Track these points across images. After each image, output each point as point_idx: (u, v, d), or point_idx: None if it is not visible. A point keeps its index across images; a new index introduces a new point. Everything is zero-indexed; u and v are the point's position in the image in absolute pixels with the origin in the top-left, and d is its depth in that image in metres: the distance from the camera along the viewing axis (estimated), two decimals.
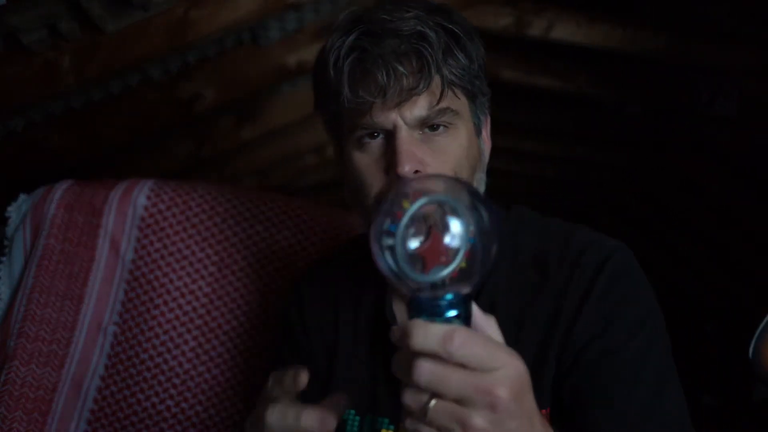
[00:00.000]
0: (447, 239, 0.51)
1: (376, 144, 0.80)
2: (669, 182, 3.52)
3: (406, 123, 0.78)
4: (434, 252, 0.52)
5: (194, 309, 1.23)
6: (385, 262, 0.53)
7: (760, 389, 3.55)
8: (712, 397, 3.49)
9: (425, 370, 0.51)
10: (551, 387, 0.79)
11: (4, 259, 1.28)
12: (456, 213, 0.51)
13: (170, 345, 1.21)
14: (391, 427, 0.91)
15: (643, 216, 4.18)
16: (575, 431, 0.76)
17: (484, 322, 0.56)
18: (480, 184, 0.86)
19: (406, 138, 0.78)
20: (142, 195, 1.27)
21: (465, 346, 0.50)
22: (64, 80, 1.54)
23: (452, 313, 0.52)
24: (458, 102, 0.81)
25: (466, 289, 0.53)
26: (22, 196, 1.32)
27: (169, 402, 1.20)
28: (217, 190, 1.30)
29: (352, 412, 0.92)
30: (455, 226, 0.51)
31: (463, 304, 0.52)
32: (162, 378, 1.21)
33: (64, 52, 1.52)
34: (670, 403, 0.77)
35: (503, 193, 4.76)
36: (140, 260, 1.25)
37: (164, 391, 1.20)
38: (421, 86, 0.76)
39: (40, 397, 1.18)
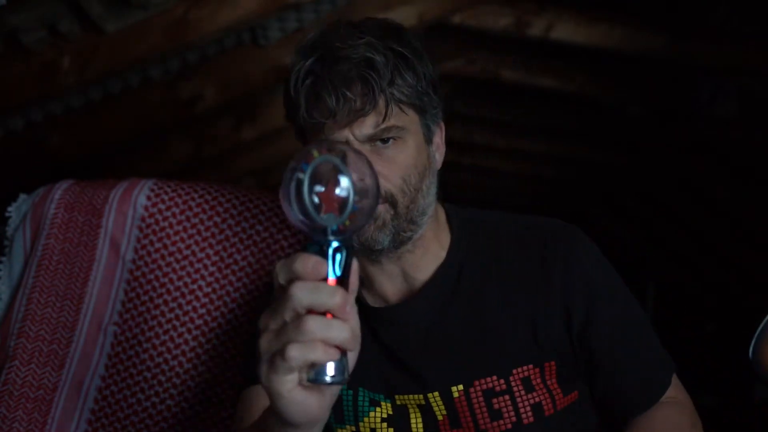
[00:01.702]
0: (338, 191, 0.61)
1: None
2: (669, 182, 3.52)
3: (356, 139, 0.86)
4: (330, 199, 0.61)
5: (194, 309, 1.23)
6: (293, 203, 0.61)
7: (760, 389, 3.55)
8: (712, 397, 3.49)
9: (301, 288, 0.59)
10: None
11: (4, 259, 1.28)
12: (345, 174, 0.61)
13: (170, 345, 1.21)
14: (388, 400, 0.96)
15: (643, 216, 4.18)
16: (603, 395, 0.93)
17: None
18: (430, 188, 0.93)
19: (360, 148, 0.85)
20: (142, 195, 1.27)
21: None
22: (64, 80, 1.54)
23: (336, 257, 0.61)
24: (405, 118, 0.88)
25: (345, 242, 0.62)
26: (22, 196, 1.32)
27: (170, 402, 1.20)
28: (217, 190, 1.29)
29: (344, 386, 0.96)
30: (344, 182, 0.61)
31: (341, 252, 0.62)
32: (162, 378, 1.21)
33: (64, 52, 1.52)
34: (651, 343, 0.94)
35: (503, 192, 4.76)
36: (140, 260, 1.25)
37: (164, 391, 1.20)
38: (366, 108, 0.84)
39: (40, 397, 1.18)
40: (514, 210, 1.05)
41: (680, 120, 2.80)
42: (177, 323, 1.22)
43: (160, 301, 1.23)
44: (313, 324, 0.58)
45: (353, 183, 0.61)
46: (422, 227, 0.92)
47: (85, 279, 1.25)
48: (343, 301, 0.59)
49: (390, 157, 0.88)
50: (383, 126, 0.86)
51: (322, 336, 0.58)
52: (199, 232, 1.26)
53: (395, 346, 0.95)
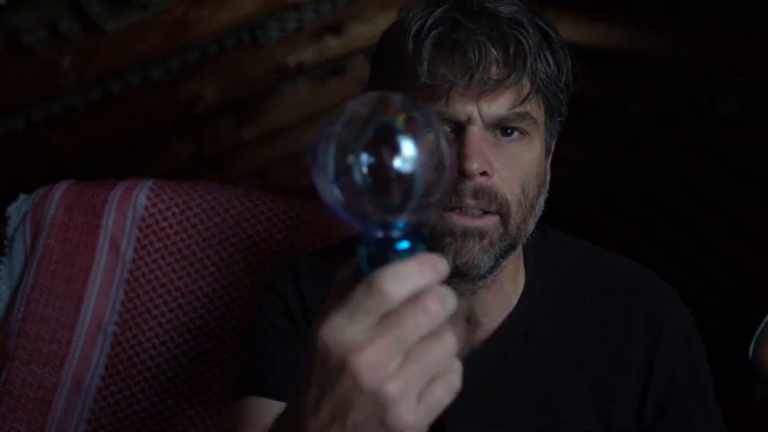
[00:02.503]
0: (414, 167, 0.42)
1: None
2: (669, 182, 3.52)
3: (482, 118, 0.69)
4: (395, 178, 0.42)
5: (194, 309, 1.23)
6: (348, 177, 0.42)
7: (760, 389, 3.55)
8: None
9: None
10: None
11: (4, 259, 1.28)
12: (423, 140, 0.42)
13: (170, 345, 1.21)
14: None
15: (643, 216, 4.18)
16: None
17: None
18: (540, 210, 0.77)
19: (479, 134, 0.69)
20: (142, 195, 1.27)
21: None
22: (64, 80, 1.54)
23: (406, 245, 0.43)
24: (538, 111, 0.73)
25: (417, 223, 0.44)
26: (22, 196, 1.32)
27: (170, 402, 1.20)
28: (217, 190, 1.29)
29: None
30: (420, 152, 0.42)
31: (417, 238, 0.44)
32: (162, 378, 1.21)
33: (64, 52, 1.52)
34: None
35: None
36: (140, 260, 1.25)
37: (164, 391, 1.20)
38: (511, 78, 0.67)
39: (40, 397, 1.18)
40: None
41: (680, 120, 2.79)
42: (177, 323, 1.22)
43: (160, 301, 1.23)
44: (452, 340, 0.43)
45: (442, 159, 0.42)
46: (515, 254, 0.75)
47: (85, 279, 1.25)
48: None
49: (512, 154, 0.71)
50: (519, 110, 0.69)
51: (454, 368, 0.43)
52: (199, 232, 1.26)
53: (444, 412, 0.78)
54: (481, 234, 0.70)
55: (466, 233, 0.70)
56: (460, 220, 0.70)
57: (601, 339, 0.76)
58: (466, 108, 0.68)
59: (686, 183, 3.38)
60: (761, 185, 2.79)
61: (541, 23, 0.71)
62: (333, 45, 2.08)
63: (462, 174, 0.68)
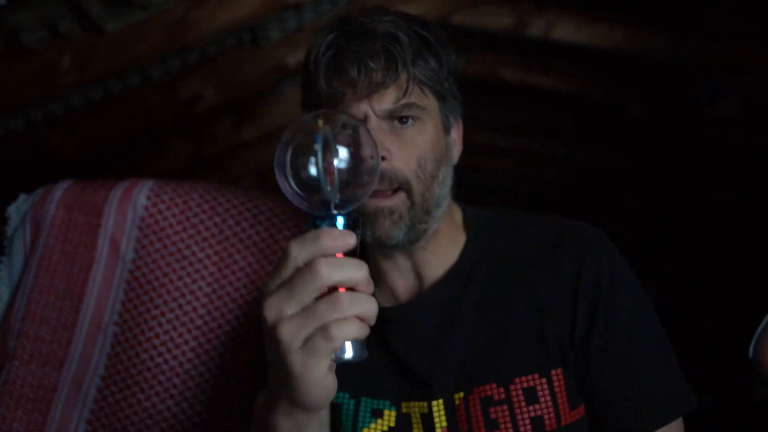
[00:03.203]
0: (341, 163, 0.59)
1: None
2: (669, 182, 3.52)
3: (375, 113, 0.84)
4: (330, 172, 0.60)
5: (194, 309, 1.23)
6: (297, 176, 0.59)
7: (760, 389, 3.55)
8: (712, 398, 3.49)
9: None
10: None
11: (4, 259, 1.28)
12: (356, 142, 0.61)
13: (170, 345, 1.21)
14: (393, 408, 0.91)
15: (643, 216, 4.18)
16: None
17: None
18: (446, 178, 0.90)
19: (375, 127, 0.83)
20: (142, 195, 1.27)
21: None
22: (64, 80, 1.54)
23: (329, 222, 0.60)
24: (425, 100, 0.87)
25: (351, 215, 0.61)
26: (22, 196, 1.32)
27: (170, 402, 1.20)
28: (217, 190, 1.29)
29: (347, 395, 0.92)
30: (344, 155, 0.60)
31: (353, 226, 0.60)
32: (162, 378, 1.21)
33: (64, 52, 1.52)
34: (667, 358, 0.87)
35: (503, 192, 4.76)
36: (140, 260, 1.25)
37: (164, 390, 1.20)
38: (387, 81, 0.83)
39: (40, 397, 1.18)
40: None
41: (680, 120, 2.79)
42: (177, 323, 1.22)
43: (160, 301, 1.23)
44: (348, 299, 0.57)
45: (358, 153, 0.60)
46: (437, 222, 0.90)
47: (85, 279, 1.25)
48: (368, 274, 0.58)
49: (408, 138, 0.85)
50: (403, 101, 0.84)
51: (357, 311, 0.57)
52: (199, 232, 1.26)
53: (403, 351, 0.91)
54: (391, 211, 0.85)
55: (377, 212, 0.84)
56: (370, 202, 0.84)
57: (534, 279, 0.89)
58: (360, 108, 0.84)
59: (686, 183, 3.38)
60: (761, 185, 2.79)
61: (420, 30, 0.86)
62: None
63: None
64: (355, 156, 0.61)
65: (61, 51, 1.51)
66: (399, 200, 0.85)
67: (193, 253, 1.25)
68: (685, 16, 2.14)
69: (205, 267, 1.24)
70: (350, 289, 0.59)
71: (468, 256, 0.93)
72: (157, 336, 1.22)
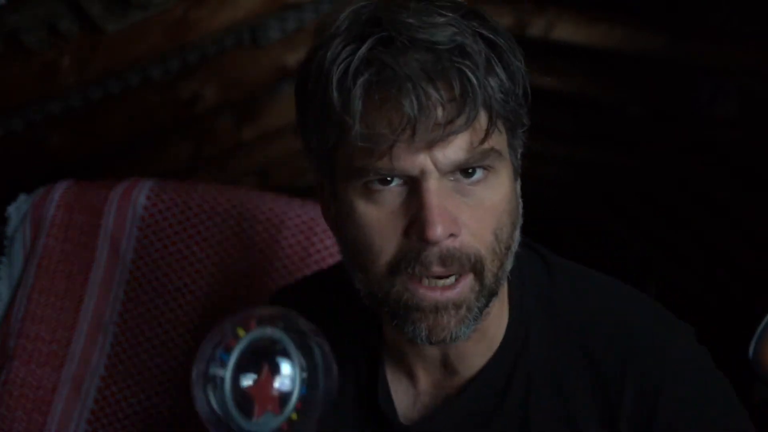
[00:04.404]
0: (278, 382, 0.43)
1: (392, 193, 0.60)
2: (669, 182, 3.52)
3: (438, 169, 0.58)
4: (265, 395, 0.43)
5: (194, 309, 1.23)
6: (205, 401, 0.44)
7: (760, 389, 3.55)
8: None
9: None
10: None
11: (4, 259, 1.28)
12: (288, 355, 0.44)
13: (170, 345, 1.21)
14: None
15: (643, 216, 4.18)
16: None
17: None
18: (516, 244, 0.66)
19: (439, 190, 0.58)
20: (142, 195, 1.27)
21: None
22: (64, 80, 1.54)
23: None
24: (500, 138, 0.61)
25: None
26: (22, 196, 1.32)
27: (170, 402, 1.20)
28: (217, 190, 1.29)
29: None
30: (286, 369, 0.43)
31: None
32: (162, 378, 1.21)
33: (64, 52, 1.52)
34: None
35: None
36: (140, 260, 1.24)
37: (165, 391, 1.20)
38: (461, 120, 0.56)
39: (40, 397, 1.18)
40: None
41: (680, 120, 2.79)
42: (177, 323, 1.22)
43: (160, 301, 1.23)
44: None
45: (304, 364, 0.44)
46: (497, 301, 0.66)
47: (85, 279, 1.25)
48: None
49: (479, 199, 0.60)
50: (481, 148, 0.58)
51: None
52: (199, 232, 1.26)
53: None
54: (457, 305, 0.61)
55: (438, 308, 0.61)
56: (428, 295, 0.61)
57: (587, 405, 0.65)
58: (416, 161, 0.57)
59: (686, 183, 3.38)
60: (761, 185, 2.79)
61: (485, 32, 0.59)
62: None
63: (425, 241, 0.58)
64: (287, 368, 0.45)
65: (61, 51, 1.51)
66: (466, 288, 0.61)
67: (193, 253, 1.25)
68: (685, 16, 2.14)
69: (205, 267, 1.24)
70: None
71: (507, 353, 0.69)
72: (157, 336, 1.22)
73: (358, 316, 0.71)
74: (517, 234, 0.66)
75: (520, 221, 0.66)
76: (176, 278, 1.24)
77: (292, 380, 0.44)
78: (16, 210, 1.31)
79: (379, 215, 0.61)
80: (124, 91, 1.79)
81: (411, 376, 0.72)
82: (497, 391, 0.68)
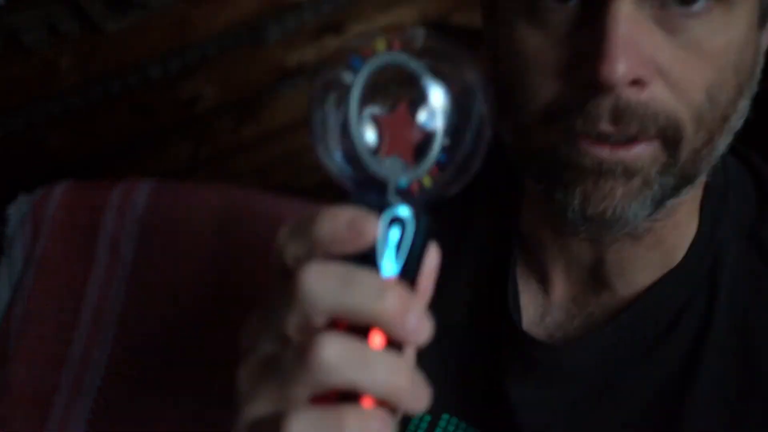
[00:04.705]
0: (418, 121, 0.31)
1: (566, 14, 0.44)
2: None
3: None
4: (398, 131, 0.31)
5: (194, 309, 1.23)
6: (321, 119, 0.33)
7: None
8: None
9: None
10: None
11: (4, 259, 1.28)
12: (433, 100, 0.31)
13: (171, 345, 1.22)
14: None
15: None
16: None
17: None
18: (741, 117, 0.50)
19: (631, 15, 0.40)
20: (142, 195, 1.27)
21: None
22: (64, 80, 1.54)
23: (399, 235, 0.31)
24: None
25: (418, 212, 0.32)
26: (22, 196, 1.32)
27: (170, 402, 1.20)
28: (217, 190, 1.29)
29: None
30: (429, 112, 0.31)
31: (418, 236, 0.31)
32: (162, 379, 1.21)
33: (64, 52, 1.52)
34: None
35: None
36: (140, 260, 1.25)
37: (164, 391, 1.20)
38: None
39: (40, 398, 1.18)
40: None
41: None
42: (177, 323, 1.22)
43: (160, 301, 1.23)
44: (337, 357, 0.28)
45: (452, 107, 0.31)
46: (687, 194, 0.49)
47: (85, 279, 1.25)
48: (403, 309, 0.28)
49: (695, 40, 0.42)
50: None
51: (355, 380, 0.28)
52: (199, 233, 1.26)
53: (525, 416, 0.53)
54: (628, 171, 0.44)
55: (603, 169, 0.44)
56: (591, 150, 0.44)
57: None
58: None
59: None
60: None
61: None
62: (333, 45, 2.08)
63: (595, 82, 0.41)
64: (461, 107, 0.31)
65: (61, 51, 1.51)
66: (647, 154, 0.44)
67: (194, 254, 1.25)
68: None
69: (206, 267, 1.24)
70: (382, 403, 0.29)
71: (687, 275, 0.51)
72: (157, 336, 1.22)
73: (492, 195, 0.57)
74: (745, 105, 0.49)
75: (753, 88, 0.49)
76: (176, 278, 1.24)
77: (433, 129, 0.31)
78: (16, 210, 1.31)
79: (542, 44, 0.45)
80: (124, 91, 1.79)
81: (544, 281, 0.56)
82: (668, 320, 0.51)
